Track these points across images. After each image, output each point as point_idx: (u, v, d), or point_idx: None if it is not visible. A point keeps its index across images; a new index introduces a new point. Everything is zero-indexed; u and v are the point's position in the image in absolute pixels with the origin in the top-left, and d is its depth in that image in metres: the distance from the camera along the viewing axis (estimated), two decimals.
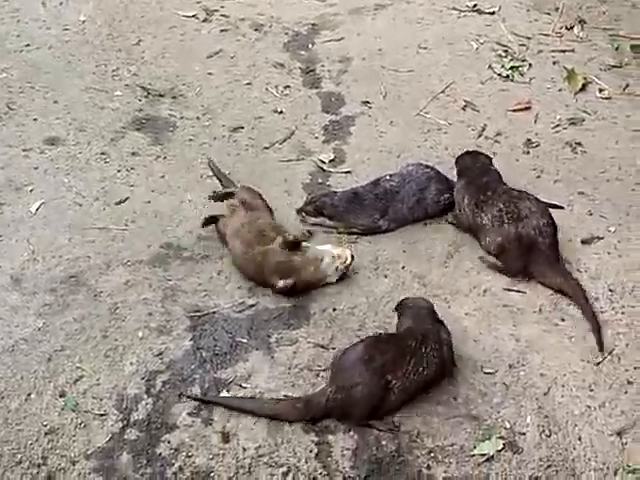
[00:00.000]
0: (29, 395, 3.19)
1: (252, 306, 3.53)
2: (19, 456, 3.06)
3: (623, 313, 3.49)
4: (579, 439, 3.12)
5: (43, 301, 3.53)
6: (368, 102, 4.72)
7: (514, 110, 4.67)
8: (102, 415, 3.14)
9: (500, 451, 3.07)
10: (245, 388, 3.22)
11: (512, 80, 4.88)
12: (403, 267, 3.72)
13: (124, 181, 4.16)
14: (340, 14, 5.49)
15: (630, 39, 5.19)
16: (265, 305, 3.53)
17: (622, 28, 5.33)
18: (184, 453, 3.05)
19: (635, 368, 3.30)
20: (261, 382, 3.23)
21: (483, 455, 3.06)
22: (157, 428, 3.11)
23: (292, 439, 3.07)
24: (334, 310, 3.51)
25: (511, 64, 4.97)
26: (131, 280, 3.63)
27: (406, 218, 3.94)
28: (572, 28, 5.30)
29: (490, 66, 4.97)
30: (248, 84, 4.88)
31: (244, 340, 3.39)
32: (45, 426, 3.11)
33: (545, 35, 5.24)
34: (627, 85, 4.85)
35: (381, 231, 3.91)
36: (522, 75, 4.92)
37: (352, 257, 3.59)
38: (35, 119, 4.54)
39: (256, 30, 5.33)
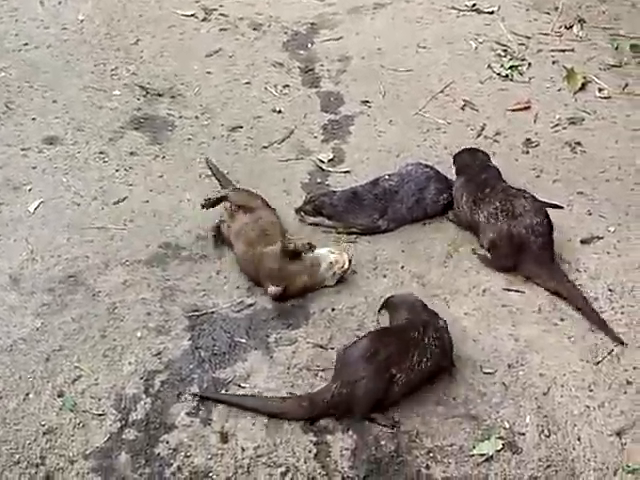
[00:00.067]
0: (27, 395, 3.18)
1: (251, 306, 3.53)
2: (17, 456, 3.05)
3: (622, 313, 3.48)
4: (578, 439, 3.11)
5: (41, 301, 3.52)
6: (367, 101, 4.72)
7: (513, 109, 4.66)
8: (100, 415, 3.14)
9: (499, 451, 3.07)
10: (244, 388, 3.21)
11: (511, 79, 4.88)
12: (402, 267, 3.72)
13: (123, 180, 4.16)
14: (339, 13, 5.49)
15: (630, 38, 5.19)
16: (264, 305, 3.52)
17: (622, 27, 5.33)
18: (183, 453, 3.04)
19: (634, 368, 3.29)
20: (260, 382, 3.23)
21: (482, 455, 3.05)
22: (156, 428, 3.11)
23: (291, 439, 3.07)
24: (333, 310, 3.51)
25: (510, 63, 4.97)
26: (129, 280, 3.62)
27: (405, 218, 3.94)
28: (571, 27, 5.30)
29: (489, 65, 4.97)
30: (247, 83, 4.87)
31: (243, 340, 3.38)
32: (43, 426, 3.11)
33: (544, 34, 5.24)
34: (627, 85, 4.84)
35: (380, 231, 3.91)
36: (521, 74, 4.91)
37: (350, 261, 3.58)
38: (33, 118, 4.53)
39: (255, 29, 5.32)
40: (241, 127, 4.54)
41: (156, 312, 3.48)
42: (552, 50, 5.10)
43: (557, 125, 4.56)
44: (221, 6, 5.52)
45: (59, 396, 3.18)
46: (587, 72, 4.89)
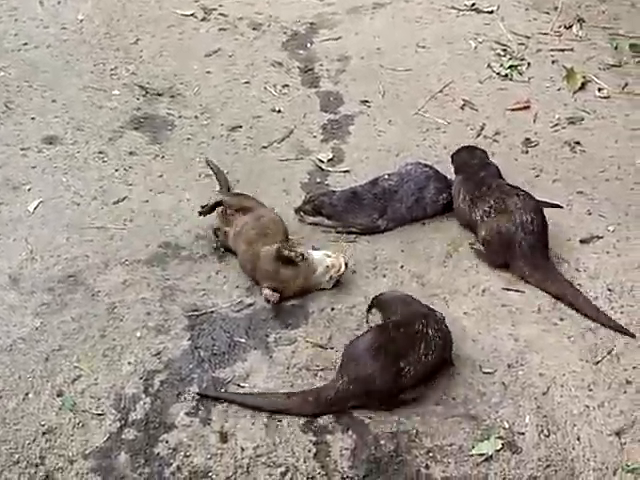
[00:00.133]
0: (27, 395, 3.18)
1: (250, 305, 3.53)
2: (17, 456, 3.05)
3: (622, 313, 3.48)
4: (578, 439, 3.11)
5: (41, 300, 3.52)
6: (367, 101, 4.72)
7: (513, 109, 4.66)
8: (100, 415, 3.13)
9: (499, 451, 3.06)
10: (243, 388, 3.21)
11: (511, 79, 4.88)
12: (402, 267, 3.71)
13: (122, 180, 4.16)
14: (338, 13, 5.49)
15: (629, 38, 5.19)
16: (263, 305, 3.52)
17: (621, 27, 5.33)
18: (182, 453, 3.04)
19: (634, 368, 3.29)
20: (259, 382, 3.23)
21: (482, 455, 3.05)
22: (155, 428, 3.10)
23: (290, 439, 3.07)
24: (332, 310, 3.51)
25: (510, 63, 4.97)
26: (129, 279, 3.62)
27: (405, 217, 3.93)
28: (571, 27, 5.30)
29: (489, 65, 4.97)
30: (246, 83, 4.87)
31: (242, 340, 3.38)
32: (43, 426, 3.10)
33: (544, 34, 5.24)
34: (626, 84, 4.84)
35: (380, 230, 3.91)
36: (521, 74, 4.91)
37: (346, 265, 3.57)
38: (33, 118, 4.53)
39: (254, 29, 5.32)
40: (241, 127, 4.54)
41: (156, 312, 3.48)
42: (551, 50, 5.10)
43: (557, 125, 4.56)
44: (220, 6, 5.52)
45: (58, 396, 3.18)
46: (587, 72, 4.89)
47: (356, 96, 4.76)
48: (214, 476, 3.00)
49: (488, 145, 4.33)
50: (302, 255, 3.51)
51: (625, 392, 3.22)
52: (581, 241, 3.80)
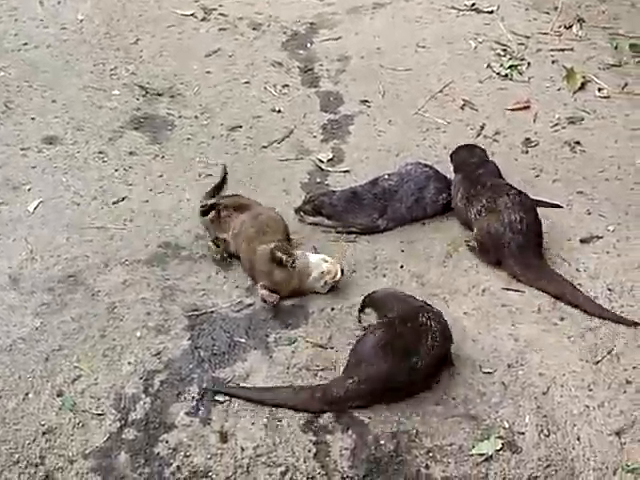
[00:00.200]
0: (27, 394, 3.18)
1: (250, 305, 3.52)
2: (17, 456, 3.05)
3: (622, 312, 3.48)
4: (578, 439, 3.11)
5: (41, 300, 3.52)
6: (367, 101, 4.72)
7: (513, 109, 4.67)
8: (100, 415, 3.13)
9: (499, 451, 3.06)
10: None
11: (511, 79, 4.88)
12: (401, 266, 3.71)
13: (122, 180, 4.16)
14: (338, 13, 5.49)
15: (629, 38, 5.19)
16: (263, 305, 3.52)
17: (621, 27, 5.34)
18: (182, 453, 3.04)
19: (634, 368, 3.29)
20: (259, 382, 3.22)
21: (482, 455, 3.05)
22: (155, 428, 3.10)
23: (290, 439, 3.07)
24: (332, 310, 3.50)
25: (510, 63, 4.97)
26: (129, 279, 3.62)
27: (405, 217, 3.93)
28: (571, 27, 5.30)
29: (489, 65, 4.97)
30: (246, 83, 4.87)
31: (242, 340, 3.38)
32: (43, 425, 3.10)
33: (544, 34, 5.24)
34: (626, 84, 4.84)
35: (379, 230, 3.91)
36: (521, 74, 4.92)
37: (342, 271, 3.55)
38: (33, 118, 4.53)
39: (254, 29, 5.33)
40: (240, 127, 4.55)
41: (156, 312, 3.48)
42: (551, 50, 5.10)
43: (556, 125, 4.56)
44: (220, 6, 5.53)
45: (58, 396, 3.18)
46: (586, 72, 4.89)
47: (356, 96, 4.76)
48: (214, 476, 3.00)
49: (488, 145, 4.33)
50: (293, 261, 3.49)
51: (625, 392, 3.22)
52: (581, 241, 3.80)
